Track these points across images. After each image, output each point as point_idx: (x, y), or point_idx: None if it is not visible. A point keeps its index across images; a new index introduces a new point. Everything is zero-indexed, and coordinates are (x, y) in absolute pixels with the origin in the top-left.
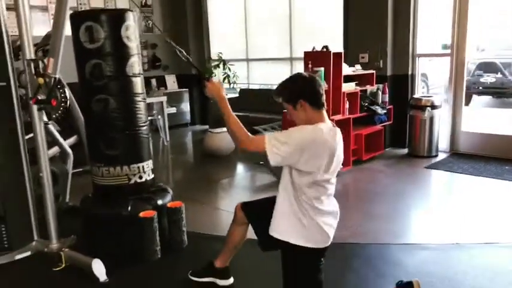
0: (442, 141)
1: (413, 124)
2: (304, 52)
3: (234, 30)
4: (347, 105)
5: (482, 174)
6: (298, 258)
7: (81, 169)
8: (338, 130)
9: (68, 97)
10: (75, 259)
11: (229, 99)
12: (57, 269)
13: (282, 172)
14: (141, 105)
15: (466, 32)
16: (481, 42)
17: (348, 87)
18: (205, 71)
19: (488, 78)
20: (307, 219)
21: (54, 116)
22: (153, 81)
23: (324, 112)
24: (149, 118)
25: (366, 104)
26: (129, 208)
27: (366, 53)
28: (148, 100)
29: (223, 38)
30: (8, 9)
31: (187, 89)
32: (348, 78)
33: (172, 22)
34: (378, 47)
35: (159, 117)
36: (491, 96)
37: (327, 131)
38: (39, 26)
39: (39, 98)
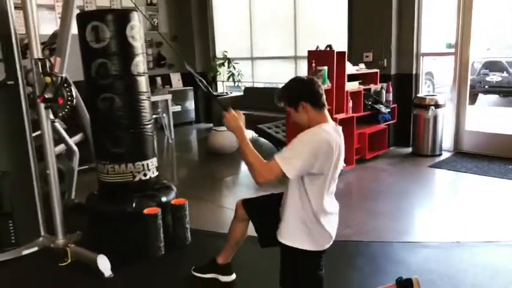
0: (446, 140)
1: (417, 123)
2: (308, 51)
3: (239, 29)
4: (350, 104)
5: (486, 174)
6: (299, 258)
7: (86, 166)
8: (340, 128)
9: (74, 96)
10: (80, 255)
11: (234, 97)
12: (63, 264)
13: (288, 182)
14: (146, 104)
15: (470, 31)
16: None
17: (352, 86)
18: (226, 105)
19: (494, 77)
20: (314, 225)
21: (60, 114)
22: (158, 80)
23: (326, 112)
24: (154, 116)
25: (370, 103)
26: (134, 205)
27: (370, 52)
28: (154, 98)
29: (228, 36)
30: (15, 8)
31: (192, 87)
32: (352, 77)
33: (177, 21)
34: (382, 46)
35: (164, 115)
36: (498, 95)
37: (331, 131)
38: (46, 25)
39: (46, 96)
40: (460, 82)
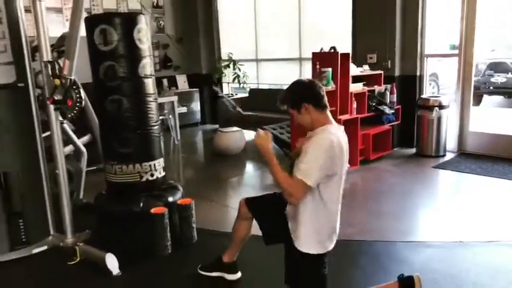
0: (450, 141)
1: (421, 124)
2: (312, 53)
3: (244, 31)
4: (355, 105)
5: (490, 174)
6: (306, 259)
7: (94, 167)
8: (342, 127)
9: (83, 97)
10: (89, 253)
11: (239, 99)
12: (72, 262)
13: None
14: (153, 105)
15: (474, 33)
16: (490, 42)
17: (356, 87)
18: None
19: (499, 78)
20: (326, 231)
21: (69, 116)
22: (165, 81)
23: (328, 113)
24: (160, 117)
25: (374, 104)
26: (141, 205)
27: (374, 54)
28: (160, 100)
29: (233, 38)
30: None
31: (197, 89)
32: (356, 79)
33: (183, 23)
34: (386, 47)
35: (170, 116)
36: (503, 96)
37: (336, 131)
38: (54, 27)
39: (56, 98)
40: (464, 83)
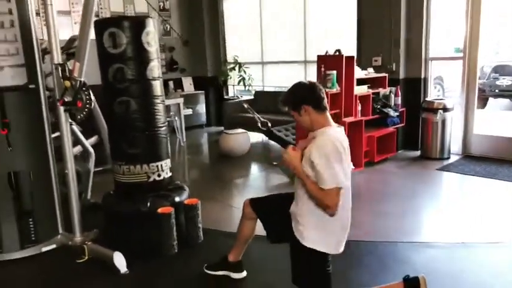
0: (455, 143)
1: (426, 126)
2: (317, 56)
3: (250, 34)
4: (359, 108)
5: (494, 177)
6: (312, 257)
7: (101, 168)
8: (342, 128)
9: (92, 99)
10: (97, 252)
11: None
12: (81, 261)
13: (300, 190)
14: (160, 107)
15: (478, 36)
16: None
17: (360, 90)
18: (286, 143)
19: (504, 81)
20: (330, 226)
21: (79, 117)
22: (171, 84)
23: (328, 114)
24: (167, 119)
25: (379, 107)
26: (148, 205)
27: (379, 57)
28: (166, 102)
29: (239, 41)
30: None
31: (203, 91)
32: (361, 81)
33: (189, 25)
34: (391, 50)
35: (176, 118)
36: (509, 99)
37: (335, 133)
38: (62, 30)
39: (66, 99)
40: (468, 86)
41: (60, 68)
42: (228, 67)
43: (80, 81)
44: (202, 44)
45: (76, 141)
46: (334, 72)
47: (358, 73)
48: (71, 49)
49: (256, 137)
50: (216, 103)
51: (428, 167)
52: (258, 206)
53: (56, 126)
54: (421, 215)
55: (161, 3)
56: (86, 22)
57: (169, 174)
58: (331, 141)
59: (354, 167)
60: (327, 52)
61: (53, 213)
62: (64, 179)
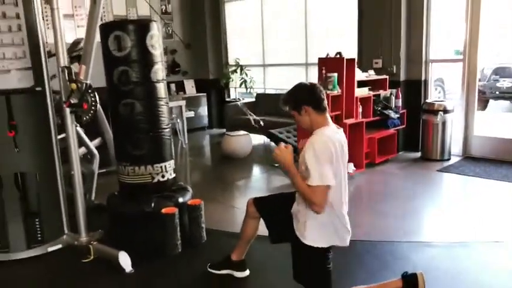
0: (455, 145)
1: (426, 128)
2: (318, 58)
3: (251, 36)
4: (360, 110)
5: (494, 177)
6: (313, 254)
7: (104, 170)
8: (341, 129)
9: (98, 101)
10: (102, 251)
11: (247, 103)
12: (86, 260)
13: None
14: (164, 109)
15: (478, 38)
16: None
17: (361, 92)
18: (279, 140)
19: (505, 83)
20: (330, 224)
21: (84, 119)
22: (173, 86)
23: (327, 115)
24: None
25: (379, 109)
26: (152, 205)
27: (379, 59)
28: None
29: (240, 43)
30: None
31: (205, 94)
32: (362, 83)
33: (191, 28)
34: (392, 52)
35: (178, 120)
36: (509, 101)
37: (331, 133)
38: (66, 33)
39: (72, 101)
40: (468, 88)
41: (66, 71)
42: (230, 70)
43: (86, 83)
44: (204, 46)
45: (80, 143)
46: (335, 74)
47: (359, 75)
48: (74, 52)
49: (258, 139)
50: (218, 105)
51: (428, 168)
52: (262, 205)
53: (61, 128)
54: (421, 215)
55: (163, 7)
56: (92, 25)
57: (173, 175)
58: (324, 140)
59: (354, 169)
60: (328, 54)
61: (59, 214)
62: (70, 180)
